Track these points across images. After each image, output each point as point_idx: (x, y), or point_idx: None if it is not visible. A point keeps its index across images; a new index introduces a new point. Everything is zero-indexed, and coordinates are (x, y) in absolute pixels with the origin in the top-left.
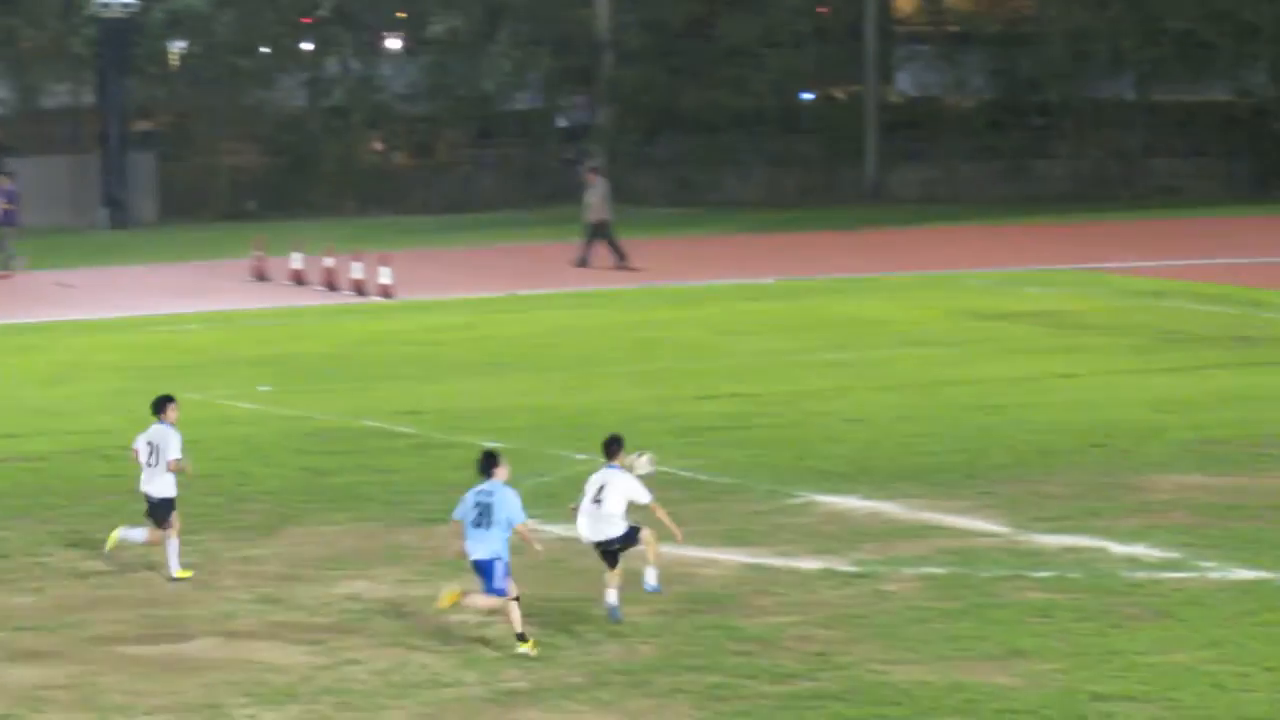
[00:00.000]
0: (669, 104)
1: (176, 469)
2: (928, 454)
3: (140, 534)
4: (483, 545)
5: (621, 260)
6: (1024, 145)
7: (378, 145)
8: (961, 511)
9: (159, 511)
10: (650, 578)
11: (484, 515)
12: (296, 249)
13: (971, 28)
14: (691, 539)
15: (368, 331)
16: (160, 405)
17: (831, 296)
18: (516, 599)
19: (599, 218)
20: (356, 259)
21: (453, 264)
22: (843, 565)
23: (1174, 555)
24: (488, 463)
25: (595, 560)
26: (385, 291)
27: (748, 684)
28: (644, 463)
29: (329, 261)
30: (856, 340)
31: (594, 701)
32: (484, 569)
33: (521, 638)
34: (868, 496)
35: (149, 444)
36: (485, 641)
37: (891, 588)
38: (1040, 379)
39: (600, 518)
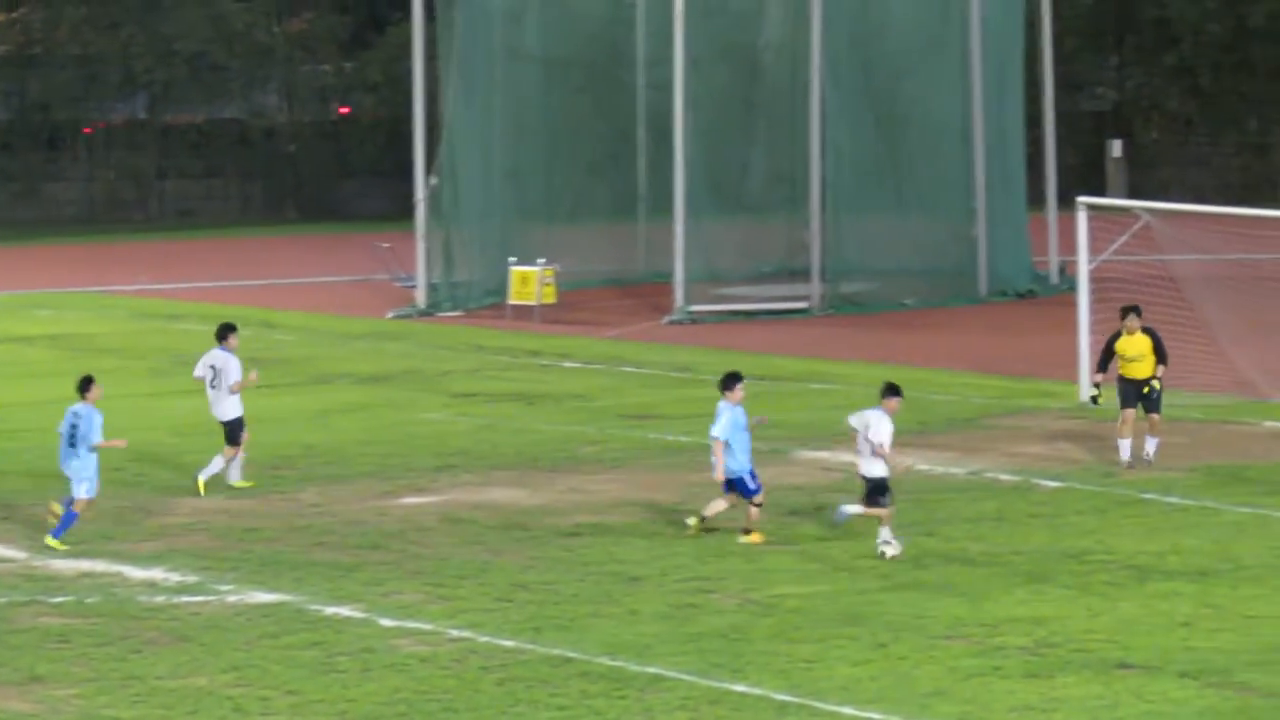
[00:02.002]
0: None
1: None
2: None
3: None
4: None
5: None
6: (36, 168)
7: None
8: None
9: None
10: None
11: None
12: None
13: None
14: None
15: None
16: (223, 333)
17: None
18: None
19: None
20: None
21: None
22: None
23: (192, 579)
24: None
25: None
26: None
27: None
28: None
29: None
30: None
31: None
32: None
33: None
34: None
35: (212, 368)
36: None
37: None
38: (57, 403)
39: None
